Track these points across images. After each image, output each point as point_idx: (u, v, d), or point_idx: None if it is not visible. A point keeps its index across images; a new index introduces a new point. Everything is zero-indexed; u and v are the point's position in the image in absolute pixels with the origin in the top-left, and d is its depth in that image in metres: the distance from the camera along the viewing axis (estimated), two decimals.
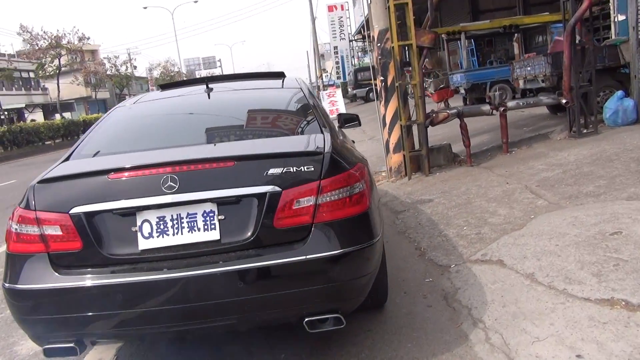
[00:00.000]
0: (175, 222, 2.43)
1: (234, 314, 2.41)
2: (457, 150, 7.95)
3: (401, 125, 7.16)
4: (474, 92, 15.23)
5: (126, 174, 2.49)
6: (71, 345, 2.44)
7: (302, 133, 3.07)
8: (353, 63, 41.20)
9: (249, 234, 2.42)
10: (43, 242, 2.47)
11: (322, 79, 45.15)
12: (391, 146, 7.47)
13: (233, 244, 2.42)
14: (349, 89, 36.16)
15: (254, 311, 2.43)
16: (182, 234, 2.42)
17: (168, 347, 3.11)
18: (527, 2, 19.63)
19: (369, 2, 7.53)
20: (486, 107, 7.49)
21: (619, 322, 2.63)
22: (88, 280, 2.39)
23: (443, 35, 14.32)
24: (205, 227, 2.42)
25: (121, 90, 50.80)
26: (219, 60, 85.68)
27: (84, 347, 2.51)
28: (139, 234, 2.42)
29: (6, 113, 39.40)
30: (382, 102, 7.50)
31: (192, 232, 2.42)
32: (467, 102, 15.37)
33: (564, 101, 7.52)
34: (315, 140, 2.79)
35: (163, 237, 2.42)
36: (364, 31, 15.67)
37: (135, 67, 55.24)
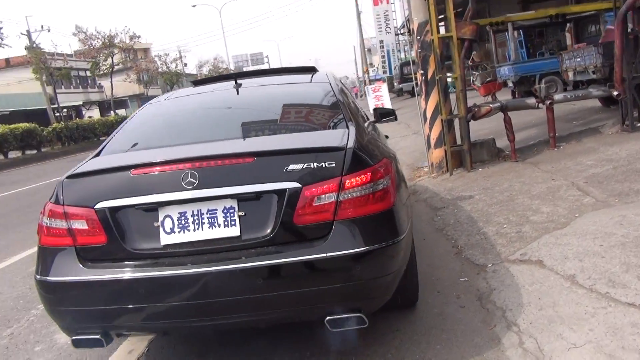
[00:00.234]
0: (196, 217, 2.42)
1: (253, 311, 2.38)
2: (502, 145, 7.69)
3: (442, 120, 6.98)
4: (522, 85, 14.72)
5: (147, 169, 2.50)
6: (97, 337, 2.47)
7: (326, 128, 3.01)
8: (399, 57, 40.73)
9: (269, 230, 2.39)
10: (71, 236, 2.51)
11: (367, 73, 44.91)
12: (432, 141, 7.30)
13: (253, 241, 2.39)
14: (395, 83, 35.76)
15: (273, 308, 2.39)
16: (202, 229, 2.41)
17: (197, 341, 3.12)
18: None
19: None
20: (531, 101, 7.20)
21: None
22: (112, 274, 2.42)
23: (489, 27, 13.92)
24: (226, 223, 2.40)
25: (172, 87, 51.99)
26: (267, 57, 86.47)
27: (110, 339, 2.54)
28: (161, 229, 2.42)
29: (65, 110, 41.06)
30: (423, 96, 7.34)
31: (212, 228, 2.40)
32: (516, 96, 14.90)
33: (615, 93, 7.15)
34: (338, 135, 2.72)
35: (184, 232, 2.41)
36: (408, 24, 15.44)
37: (185, 65, 56.41)
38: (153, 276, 2.37)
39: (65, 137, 29.00)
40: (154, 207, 2.44)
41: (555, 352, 2.51)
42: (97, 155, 3.02)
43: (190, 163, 2.43)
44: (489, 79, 13.73)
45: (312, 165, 2.43)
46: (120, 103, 48.45)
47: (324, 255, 2.34)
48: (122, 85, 47.06)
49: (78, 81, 48.79)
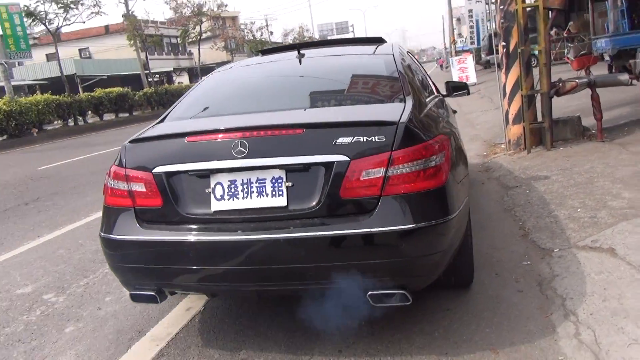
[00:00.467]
0: (245, 186, 2.46)
1: (296, 280, 2.42)
2: (589, 124, 7.21)
3: (522, 95, 6.63)
4: (620, 60, 13.57)
5: (200, 137, 2.58)
6: (152, 293, 2.61)
7: (382, 101, 2.95)
8: (489, 27, 38.92)
9: (315, 202, 2.39)
10: (130, 198, 2.64)
11: (454, 44, 43.31)
12: (510, 117, 6.97)
13: (299, 212, 2.41)
14: (482, 55, 34.26)
15: (315, 279, 2.41)
16: (251, 198, 2.45)
17: (250, 304, 3.21)
18: None
19: None
20: (624, 77, 6.65)
21: None
22: (165, 235, 2.53)
23: None
24: (274, 192, 2.43)
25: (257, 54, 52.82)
26: (352, 26, 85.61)
27: (164, 296, 2.68)
28: (212, 196, 2.49)
29: (157, 76, 42.99)
30: (503, 70, 7.00)
31: (260, 197, 2.44)
32: (613, 71, 13.81)
33: None
34: (393, 109, 2.66)
35: (233, 200, 2.47)
36: None
37: (271, 33, 57.10)
38: (202, 240, 2.45)
39: (154, 101, 30.42)
40: (206, 174, 2.51)
41: (613, 347, 2.37)
42: (162, 121, 3.14)
43: (241, 132, 2.47)
44: (583, 52, 12.81)
45: (361, 139, 2.39)
46: (208, 70, 49.96)
47: (368, 230, 2.32)
48: (210, 53, 48.47)
49: (169, 48, 50.78)
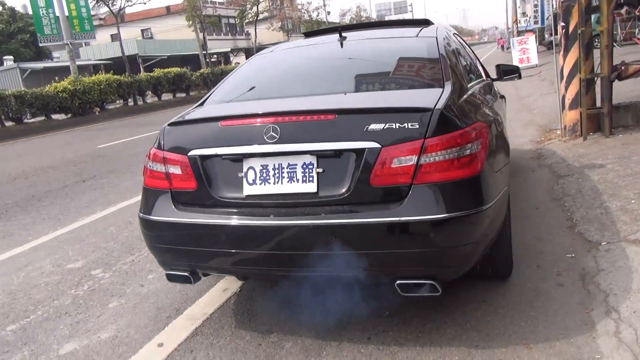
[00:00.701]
0: (276, 171, 2.48)
1: (324, 267, 2.42)
2: None
3: (580, 79, 6.32)
4: None
5: (234, 122, 2.60)
6: (186, 274, 2.68)
7: (419, 87, 2.88)
8: (554, 5, 37.15)
9: (345, 189, 2.38)
10: (167, 180, 2.71)
11: (517, 23, 41.69)
12: (567, 102, 6.67)
13: (329, 198, 2.40)
14: (546, 35, 32.83)
15: (344, 266, 2.41)
16: (282, 183, 2.46)
17: (285, 288, 3.25)
18: None
19: None
20: None
21: None
22: (199, 218, 2.58)
23: None
24: (304, 178, 2.43)
25: None
26: (410, 5, 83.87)
27: (198, 278, 2.74)
28: (244, 180, 2.52)
29: (215, 56, 43.68)
30: (562, 52, 6.68)
31: (291, 183, 2.45)
32: None
33: None
34: (429, 95, 2.59)
35: (265, 185, 2.49)
36: None
37: (329, 13, 56.75)
38: (233, 224, 2.49)
39: (210, 81, 30.96)
40: (238, 158, 2.53)
41: None
42: (201, 104, 3.19)
43: (273, 117, 2.47)
44: None
45: (394, 126, 2.35)
46: None
47: (398, 218, 2.29)
48: (267, 33, 48.75)
49: (227, 28, 51.42)
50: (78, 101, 20.55)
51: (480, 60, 4.82)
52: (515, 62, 20.82)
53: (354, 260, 2.38)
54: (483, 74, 4.39)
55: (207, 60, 39.42)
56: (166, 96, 27.58)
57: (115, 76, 23.21)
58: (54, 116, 20.48)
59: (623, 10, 19.26)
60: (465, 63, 3.59)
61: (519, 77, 4.74)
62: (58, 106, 20.05)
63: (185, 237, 2.63)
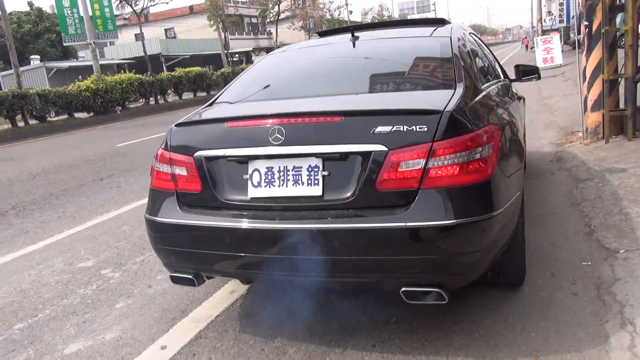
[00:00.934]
0: (281, 173, 2.43)
1: (328, 272, 2.36)
2: None
3: (603, 80, 6.15)
4: None
5: (239, 123, 2.57)
6: (190, 277, 2.65)
7: (430, 88, 2.80)
8: (579, 4, 36.45)
9: (350, 193, 2.32)
10: (173, 181, 2.69)
11: (541, 22, 41.02)
12: (589, 103, 6.50)
13: (334, 202, 2.35)
14: (572, 35, 32.24)
15: (348, 272, 2.35)
16: (287, 186, 2.42)
17: (291, 293, 3.21)
18: None
19: None
20: None
21: None
22: (203, 220, 2.55)
23: None
24: (309, 181, 2.38)
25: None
26: (433, 4, 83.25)
27: (202, 280, 2.71)
28: (249, 182, 2.48)
29: (237, 55, 43.89)
30: (585, 52, 6.51)
31: (296, 186, 2.40)
32: None
33: None
34: (439, 97, 2.52)
35: (270, 187, 2.45)
36: None
37: (351, 12, 56.62)
38: (238, 226, 2.45)
39: (231, 80, 31.13)
40: (244, 160, 2.50)
41: None
42: (210, 105, 3.16)
43: (279, 119, 2.43)
44: None
45: (401, 129, 2.28)
46: None
47: (404, 224, 2.22)
48: (289, 33, 48.82)
49: (249, 28, 51.66)
50: (100, 100, 20.82)
51: (500, 61, 4.73)
52: (539, 62, 20.50)
53: (358, 265, 2.33)
54: (501, 75, 4.29)
55: (229, 59, 39.64)
56: (187, 95, 27.78)
57: (137, 75, 23.44)
58: (77, 115, 20.78)
59: None
60: (481, 64, 3.50)
61: (538, 77, 4.63)
62: (81, 105, 20.33)
63: (189, 239, 2.60)
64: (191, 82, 26.95)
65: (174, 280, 2.75)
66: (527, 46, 53.37)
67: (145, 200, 2.94)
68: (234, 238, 2.47)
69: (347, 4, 53.67)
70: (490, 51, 4.56)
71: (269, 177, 2.46)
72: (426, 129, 2.27)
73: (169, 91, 26.44)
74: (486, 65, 3.78)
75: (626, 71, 6.12)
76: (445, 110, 2.32)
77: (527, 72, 4.60)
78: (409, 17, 70.68)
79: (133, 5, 30.92)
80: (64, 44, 25.72)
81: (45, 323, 3.20)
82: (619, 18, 6.76)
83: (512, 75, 4.64)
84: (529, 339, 2.53)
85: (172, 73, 26.57)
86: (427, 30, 3.52)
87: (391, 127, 2.29)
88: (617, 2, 6.38)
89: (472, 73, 2.97)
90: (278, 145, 2.40)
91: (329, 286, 2.82)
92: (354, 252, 2.31)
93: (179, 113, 21.07)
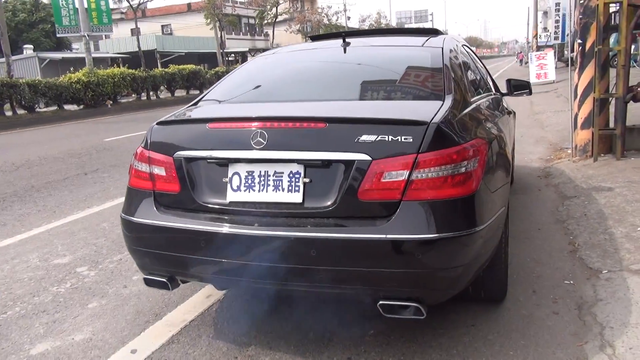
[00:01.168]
0: (262, 178, 2.37)
1: (304, 282, 2.31)
2: None
3: (594, 98, 6.16)
4: None
5: (220, 125, 2.51)
6: (164, 280, 2.58)
7: (418, 99, 2.76)
8: (574, 22, 36.69)
9: (330, 202, 2.27)
10: (151, 181, 2.62)
11: (537, 38, 41.32)
12: (580, 121, 6.50)
13: (314, 210, 2.29)
14: (566, 52, 32.48)
15: (325, 282, 2.29)
16: (267, 191, 2.36)
17: (269, 300, 3.14)
18: None
19: None
20: None
21: None
22: (179, 222, 2.48)
23: None
24: (290, 188, 2.33)
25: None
26: (431, 14, 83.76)
27: (176, 284, 2.64)
28: (228, 186, 2.42)
29: (233, 55, 43.79)
30: (577, 70, 6.52)
31: (276, 191, 2.35)
32: None
33: None
34: (426, 108, 2.47)
35: (249, 192, 2.39)
36: None
37: (349, 18, 56.76)
38: (215, 231, 2.38)
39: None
40: (224, 163, 2.43)
41: None
42: (195, 104, 3.10)
43: (261, 122, 2.37)
44: None
45: (386, 138, 2.23)
46: None
47: (384, 236, 2.17)
48: (286, 36, 48.81)
49: (247, 28, 51.59)
50: (91, 93, 20.62)
51: (492, 75, 4.71)
52: (532, 77, 20.62)
53: (336, 276, 2.27)
54: (492, 88, 4.26)
55: (225, 59, 39.52)
56: (180, 92, 27.63)
57: (130, 70, 23.28)
58: (67, 107, 20.55)
59: None
60: (472, 76, 3.47)
61: (530, 92, 4.61)
62: (71, 97, 20.13)
63: (165, 241, 2.53)
64: (184, 79, 26.80)
65: (148, 282, 2.67)
66: (521, 61, 53.71)
67: None
68: (210, 242, 2.40)
69: (345, 10, 53.80)
70: (482, 64, 4.53)
71: (249, 182, 2.40)
72: (411, 140, 2.23)
73: (161, 87, 26.26)
74: (477, 78, 3.75)
75: (617, 91, 6.13)
76: (432, 121, 2.28)
77: (519, 86, 4.59)
78: (406, 26, 71.06)
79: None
80: (58, 35, 25.48)
81: (14, 321, 3.11)
82: (612, 38, 6.79)
83: (503, 89, 4.62)
84: (507, 357, 2.49)
85: (166, 70, 26.42)
86: (419, 39, 3.48)
87: (376, 136, 2.24)
88: (612, 22, 6.40)
89: (462, 85, 2.93)
90: (259, 149, 2.34)
91: (306, 295, 2.76)
92: (332, 262, 2.25)
93: (170, 110, 20.79)
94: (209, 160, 2.47)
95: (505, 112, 4.16)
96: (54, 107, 20.26)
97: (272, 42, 42.28)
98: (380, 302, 2.26)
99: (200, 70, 28.04)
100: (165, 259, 2.54)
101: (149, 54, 37.37)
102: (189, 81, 27.21)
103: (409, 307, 2.26)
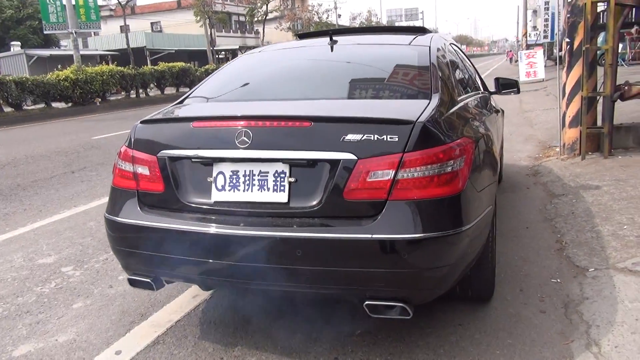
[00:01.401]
0: (247, 178, 2.35)
1: (290, 281, 2.29)
2: None
3: (582, 97, 6.18)
4: None
5: (205, 124, 2.48)
6: (149, 280, 2.55)
7: (405, 97, 2.75)
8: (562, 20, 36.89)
9: (316, 201, 2.25)
10: (135, 180, 2.59)
11: (526, 37, 41.52)
12: (567, 119, 6.53)
13: (300, 210, 2.27)
14: (555, 50, 32.68)
15: (310, 282, 2.28)
16: (252, 191, 2.34)
17: (256, 300, 3.12)
18: None
19: None
20: None
21: None
22: (163, 222, 2.45)
23: None
24: (275, 187, 2.31)
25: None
26: (422, 13, 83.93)
27: (160, 284, 2.61)
28: (213, 185, 2.39)
29: (223, 53, 43.60)
30: (565, 69, 6.55)
31: (261, 191, 2.32)
32: None
33: None
34: (413, 107, 2.46)
35: (234, 191, 2.36)
36: None
37: (339, 16, 56.72)
38: (199, 231, 2.36)
39: None
40: (209, 162, 2.41)
41: None
42: (181, 102, 3.07)
43: (246, 121, 2.35)
44: None
45: (372, 137, 2.22)
46: None
47: (370, 236, 2.16)
48: (277, 33, 48.66)
49: (237, 26, 51.39)
50: (79, 90, 20.42)
51: (480, 73, 4.71)
52: (522, 76, 20.71)
53: (321, 276, 2.25)
54: (480, 87, 4.26)
55: (215, 56, 39.35)
56: (170, 90, 27.46)
57: (119, 67, 23.09)
58: (55, 104, 20.35)
59: (633, 30, 19.12)
60: (460, 75, 3.46)
61: (518, 91, 4.61)
62: (59, 94, 19.92)
63: (148, 241, 2.50)
64: (174, 77, 26.63)
65: (132, 283, 2.64)
66: (511, 59, 54.01)
67: None
68: (194, 242, 2.38)
69: (336, 8, 53.74)
70: (471, 63, 4.53)
71: (234, 181, 2.37)
72: (397, 139, 2.21)
73: (151, 85, 26.09)
74: (465, 76, 3.74)
75: (605, 89, 6.17)
76: (418, 121, 2.26)
77: (507, 85, 4.58)
78: (396, 24, 71.13)
79: None
80: (45, 32, 25.25)
81: None
82: (600, 37, 6.82)
83: (492, 88, 4.62)
84: (494, 357, 2.49)
85: (155, 67, 26.24)
86: (406, 38, 3.47)
87: (362, 135, 2.23)
88: (600, 21, 6.43)
89: (450, 84, 2.92)
90: (244, 148, 2.32)
91: (293, 295, 2.75)
92: (318, 262, 2.23)
93: (160, 107, 20.75)
94: (193, 160, 2.44)
95: (493, 111, 4.16)
96: (42, 105, 20.05)
97: (263, 39, 42.15)
98: (367, 302, 2.25)
99: (190, 68, 27.89)
100: (150, 259, 2.51)
101: (139, 51, 37.13)
102: (178, 79, 27.05)
103: (395, 307, 2.25)
